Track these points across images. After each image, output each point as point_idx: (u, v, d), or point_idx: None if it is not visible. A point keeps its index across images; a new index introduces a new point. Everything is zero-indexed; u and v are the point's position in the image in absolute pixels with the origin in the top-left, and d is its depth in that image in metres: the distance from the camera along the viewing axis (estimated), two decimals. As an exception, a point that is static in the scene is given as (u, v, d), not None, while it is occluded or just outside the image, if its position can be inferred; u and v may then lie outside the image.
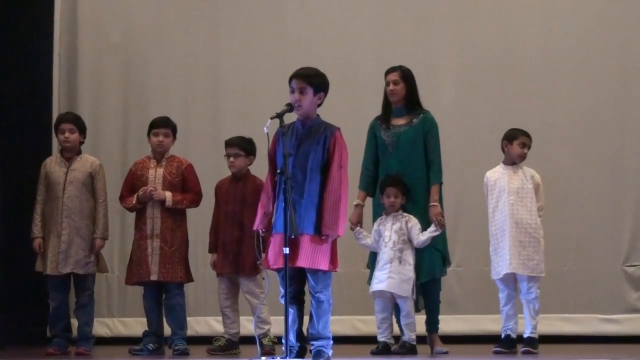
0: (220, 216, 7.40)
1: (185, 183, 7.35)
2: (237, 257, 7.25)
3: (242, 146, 7.36)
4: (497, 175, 7.07)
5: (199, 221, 7.95)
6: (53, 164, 7.37)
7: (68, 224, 7.22)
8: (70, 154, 7.38)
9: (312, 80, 5.74)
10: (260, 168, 6.95)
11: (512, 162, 7.06)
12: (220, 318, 7.55)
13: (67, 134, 7.35)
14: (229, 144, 7.42)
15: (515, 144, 7.03)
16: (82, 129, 7.44)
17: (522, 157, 7.06)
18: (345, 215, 5.74)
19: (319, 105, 5.80)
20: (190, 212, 7.47)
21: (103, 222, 7.32)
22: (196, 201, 7.38)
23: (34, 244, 7.30)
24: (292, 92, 5.74)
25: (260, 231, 5.76)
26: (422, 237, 6.89)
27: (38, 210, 7.33)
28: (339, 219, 5.65)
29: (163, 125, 7.38)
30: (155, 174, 7.32)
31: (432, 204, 6.97)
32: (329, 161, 5.71)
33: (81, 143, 7.45)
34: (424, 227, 6.93)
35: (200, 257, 8.47)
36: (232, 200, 7.35)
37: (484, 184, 7.12)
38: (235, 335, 7.36)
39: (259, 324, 7.18)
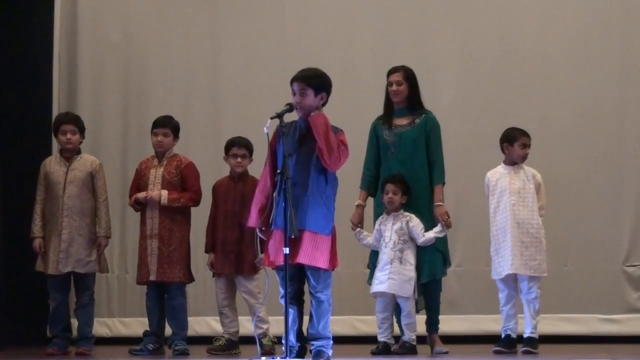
0: (218, 216, 7.40)
1: (184, 182, 7.34)
2: (237, 257, 7.27)
3: (250, 147, 7.40)
4: (498, 175, 7.06)
5: (199, 221, 7.92)
6: (53, 164, 7.37)
7: (68, 223, 7.23)
8: (71, 154, 7.38)
9: (312, 82, 5.76)
10: (255, 168, 6.95)
11: (513, 162, 7.05)
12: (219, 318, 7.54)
13: (69, 135, 7.35)
14: (238, 144, 7.40)
15: (516, 146, 7.02)
16: (82, 129, 7.46)
17: (524, 158, 7.06)
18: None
19: (323, 104, 5.82)
20: (190, 212, 7.47)
21: (105, 221, 7.34)
22: (194, 200, 7.36)
23: (34, 244, 7.30)
24: (294, 94, 5.77)
25: (258, 229, 5.78)
26: (427, 235, 6.86)
27: (38, 210, 7.33)
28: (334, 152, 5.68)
29: (162, 125, 7.39)
30: (156, 174, 7.33)
31: (437, 203, 6.95)
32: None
33: (80, 143, 7.45)
34: (426, 227, 6.92)
35: (200, 257, 8.46)
36: (231, 200, 7.35)
37: (484, 185, 7.12)
38: (235, 334, 7.36)
39: (258, 324, 7.18)
